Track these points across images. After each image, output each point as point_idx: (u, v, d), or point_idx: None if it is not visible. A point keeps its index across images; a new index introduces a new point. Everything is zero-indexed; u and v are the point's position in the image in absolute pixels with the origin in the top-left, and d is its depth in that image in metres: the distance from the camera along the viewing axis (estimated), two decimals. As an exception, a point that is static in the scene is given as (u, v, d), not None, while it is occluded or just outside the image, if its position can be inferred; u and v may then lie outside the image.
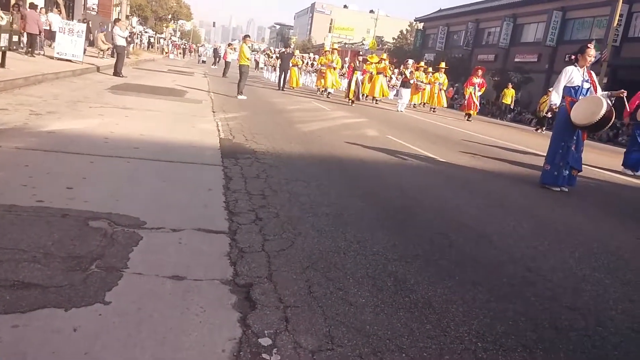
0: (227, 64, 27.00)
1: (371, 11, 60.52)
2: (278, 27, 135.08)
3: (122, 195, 3.71)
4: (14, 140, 4.91)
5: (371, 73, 21.84)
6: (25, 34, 16.39)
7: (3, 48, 10.75)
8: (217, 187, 4.38)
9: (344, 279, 2.82)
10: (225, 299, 2.39)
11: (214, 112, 10.10)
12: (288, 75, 23.14)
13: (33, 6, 18.26)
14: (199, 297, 2.36)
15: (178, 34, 71.23)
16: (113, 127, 6.47)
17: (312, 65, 29.50)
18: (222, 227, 3.37)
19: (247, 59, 15.52)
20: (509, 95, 26.41)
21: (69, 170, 4.17)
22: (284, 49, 20.75)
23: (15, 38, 11.46)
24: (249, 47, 15.93)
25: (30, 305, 2.07)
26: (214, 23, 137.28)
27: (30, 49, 16.38)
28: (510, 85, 26.95)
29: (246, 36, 17.14)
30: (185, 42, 72.07)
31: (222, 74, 25.33)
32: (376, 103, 23.05)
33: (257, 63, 43.49)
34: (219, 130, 7.64)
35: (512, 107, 28.01)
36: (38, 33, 17.05)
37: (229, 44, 30.80)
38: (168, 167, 4.87)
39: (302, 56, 30.13)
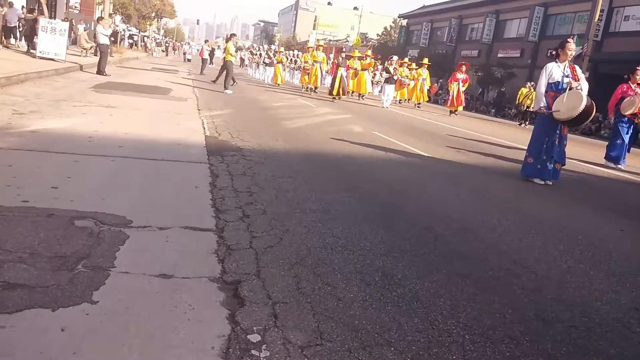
0: (203, 60, 26.87)
1: (355, 8, 60.48)
2: (262, 24, 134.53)
3: (107, 194, 3.68)
4: (-4, 140, 4.84)
5: (355, 69, 21.86)
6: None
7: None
8: (204, 184, 4.36)
9: (332, 274, 2.83)
10: (213, 296, 2.39)
11: (199, 109, 10.04)
12: (267, 72, 23.11)
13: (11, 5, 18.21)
14: (187, 295, 2.35)
15: (162, 32, 70.59)
16: (97, 125, 6.40)
17: (296, 62, 29.45)
18: (209, 224, 3.36)
19: (232, 55, 15.94)
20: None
21: (54, 170, 4.12)
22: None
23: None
24: (233, 44, 16.46)
25: (17, 306, 2.05)
26: (197, 20, 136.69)
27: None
28: (527, 85, 26.12)
29: (232, 35, 17.66)
30: (169, 40, 71.44)
31: (200, 72, 25.08)
32: (362, 99, 23.11)
33: (242, 60, 43.35)
34: (204, 128, 7.60)
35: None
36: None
37: (206, 41, 30.78)
38: (154, 166, 4.84)
39: (287, 53, 30.08)
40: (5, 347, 1.80)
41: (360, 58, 22.48)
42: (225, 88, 15.26)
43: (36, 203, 3.24)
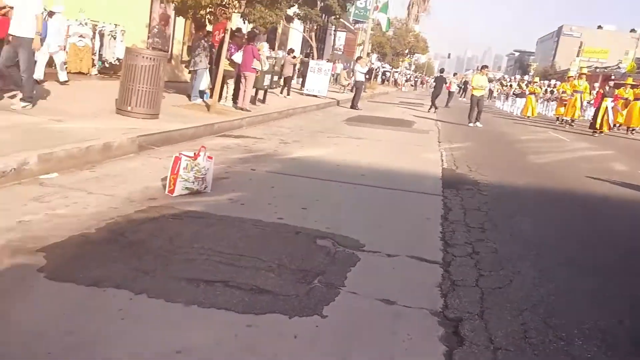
0: (450, 93, 26.93)
1: (632, 30, 53.03)
2: (517, 54, 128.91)
3: (346, 218, 4.01)
4: (266, 165, 5.74)
5: (626, 99, 19.12)
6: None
7: (266, 87, 12.65)
8: (435, 216, 4.39)
9: (567, 327, 2.55)
10: (433, 330, 2.39)
11: (439, 142, 10.14)
12: (517, 103, 21.80)
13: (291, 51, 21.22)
14: (407, 324, 2.41)
15: (412, 67, 73.67)
16: (345, 155, 7.03)
17: (552, 92, 27.30)
18: (436, 257, 3.37)
19: (477, 89, 15.68)
20: None
21: (305, 192, 4.70)
22: (439, 74, 19.82)
23: (275, 78, 13.43)
24: (483, 76, 16.13)
25: (262, 309, 2.38)
26: (449, 54, 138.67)
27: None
28: None
29: (484, 66, 17.36)
30: (418, 74, 73.92)
31: (445, 104, 25.14)
32: (631, 133, 20.08)
33: (490, 92, 42.21)
34: (442, 160, 7.64)
35: None
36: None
37: (454, 74, 30.87)
38: (390, 194, 5.08)
39: (541, 83, 28.21)
40: (248, 343, 2.12)
41: (633, 86, 19.62)
42: (471, 122, 15.00)
43: (288, 221, 3.73)
